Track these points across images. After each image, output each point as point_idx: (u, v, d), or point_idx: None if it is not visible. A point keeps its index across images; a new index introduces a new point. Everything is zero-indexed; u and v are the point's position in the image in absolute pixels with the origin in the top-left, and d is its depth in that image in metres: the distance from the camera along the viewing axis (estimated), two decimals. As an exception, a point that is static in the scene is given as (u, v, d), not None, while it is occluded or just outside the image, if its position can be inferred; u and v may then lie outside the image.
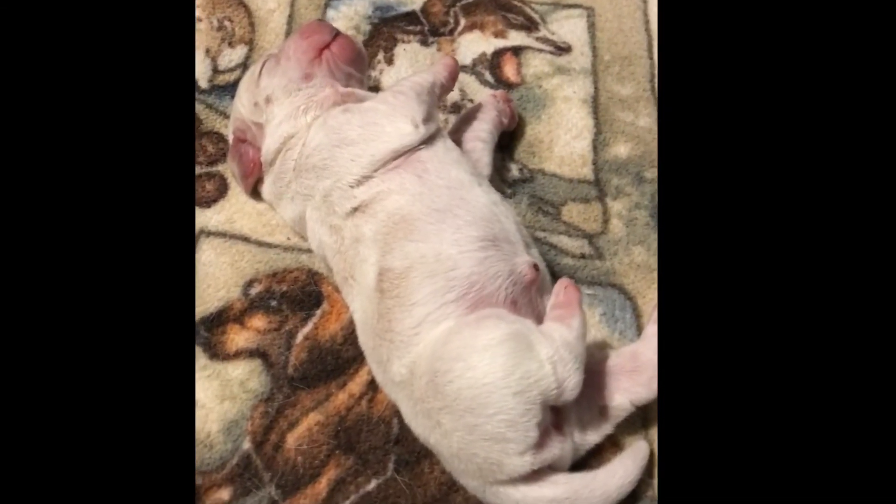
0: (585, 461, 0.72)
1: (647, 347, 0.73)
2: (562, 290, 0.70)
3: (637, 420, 0.74)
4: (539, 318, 0.72)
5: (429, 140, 0.77)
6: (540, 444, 0.64)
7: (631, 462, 0.69)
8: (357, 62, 0.86)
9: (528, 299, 0.71)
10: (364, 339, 0.74)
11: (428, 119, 0.78)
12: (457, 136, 0.88)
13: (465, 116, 0.91)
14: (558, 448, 0.65)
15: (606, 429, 0.72)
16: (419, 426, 0.68)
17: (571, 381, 0.64)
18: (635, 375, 0.71)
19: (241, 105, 0.86)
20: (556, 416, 0.67)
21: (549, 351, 0.64)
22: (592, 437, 0.71)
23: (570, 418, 0.68)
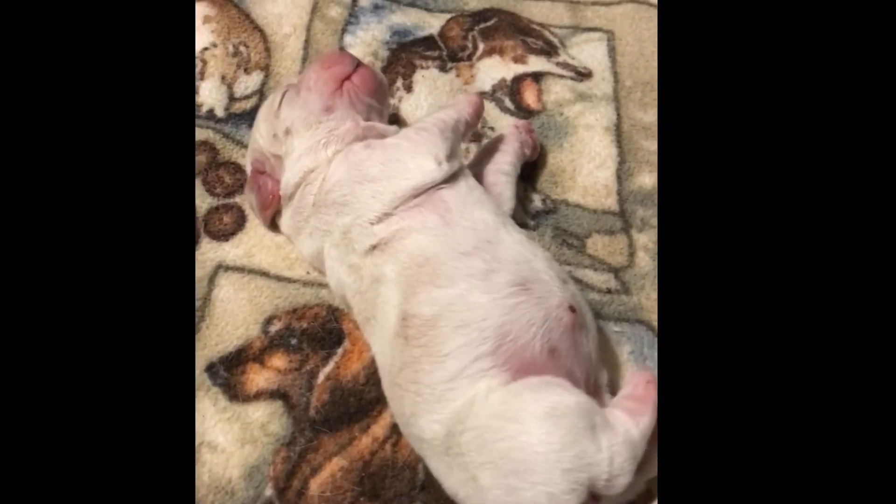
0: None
1: None
2: (643, 382, 0.68)
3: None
4: (585, 361, 0.70)
5: (451, 179, 0.75)
6: None
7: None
8: (379, 93, 0.84)
9: (570, 343, 0.68)
10: (385, 387, 0.72)
11: (451, 156, 0.76)
12: (479, 168, 0.87)
13: (487, 148, 0.89)
14: None
15: (640, 487, 0.69)
16: (451, 478, 0.66)
17: (622, 479, 0.62)
18: None
19: (260, 136, 0.84)
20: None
21: (611, 441, 0.62)
22: (626, 497, 0.68)
23: None
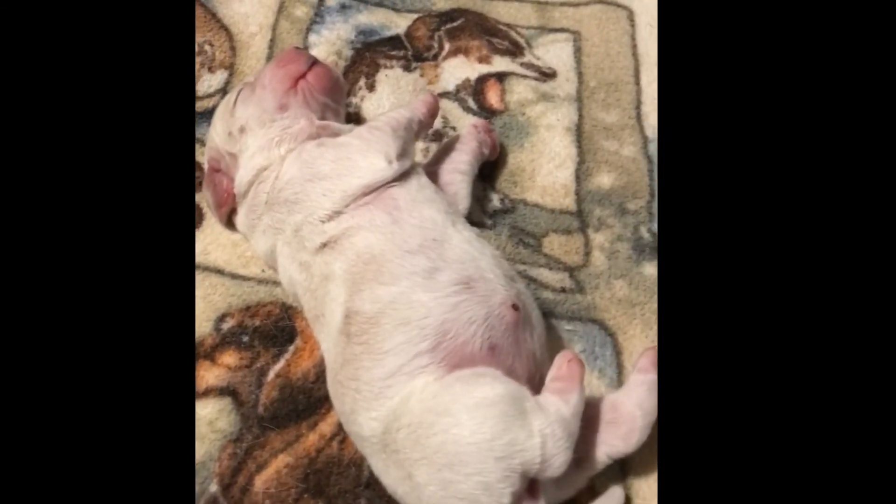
0: (560, 507, 0.70)
1: (628, 398, 0.70)
2: (564, 362, 0.68)
3: (614, 464, 0.72)
4: (529, 359, 0.70)
5: (402, 177, 0.75)
6: None
7: (603, 510, 0.67)
8: (334, 92, 0.84)
9: (511, 340, 0.69)
10: (329, 384, 0.72)
11: (402, 155, 0.76)
12: (436, 167, 0.87)
13: (445, 147, 0.90)
14: None
15: (581, 482, 0.70)
16: (388, 476, 0.66)
17: (558, 460, 0.62)
18: (614, 427, 0.69)
19: (216, 134, 0.84)
20: (531, 480, 0.64)
21: (542, 423, 0.62)
22: (567, 492, 0.69)
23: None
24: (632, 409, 0.70)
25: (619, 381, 0.80)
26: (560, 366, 0.68)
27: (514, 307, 0.70)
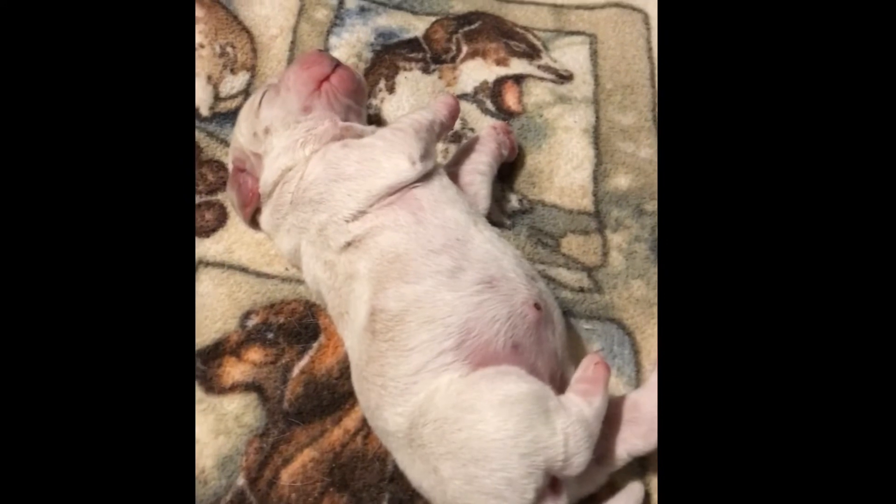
0: (580, 502, 0.71)
1: (648, 398, 0.72)
2: (591, 365, 0.69)
3: (634, 461, 0.73)
4: (551, 357, 0.71)
5: (425, 178, 0.77)
6: None
7: (623, 504, 0.68)
8: (357, 94, 0.86)
9: (534, 339, 0.70)
10: (354, 380, 0.74)
11: (425, 156, 0.78)
12: (455, 168, 0.88)
13: (465, 148, 0.91)
14: None
15: (601, 479, 0.71)
16: (413, 470, 0.68)
17: (579, 459, 0.63)
18: (634, 427, 0.71)
19: (241, 134, 0.86)
20: (553, 476, 0.66)
21: (565, 423, 0.63)
22: (588, 488, 0.70)
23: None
24: (652, 409, 0.71)
25: (637, 379, 0.81)
26: (586, 367, 0.69)
27: (537, 306, 0.71)
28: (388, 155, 0.77)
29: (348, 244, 0.75)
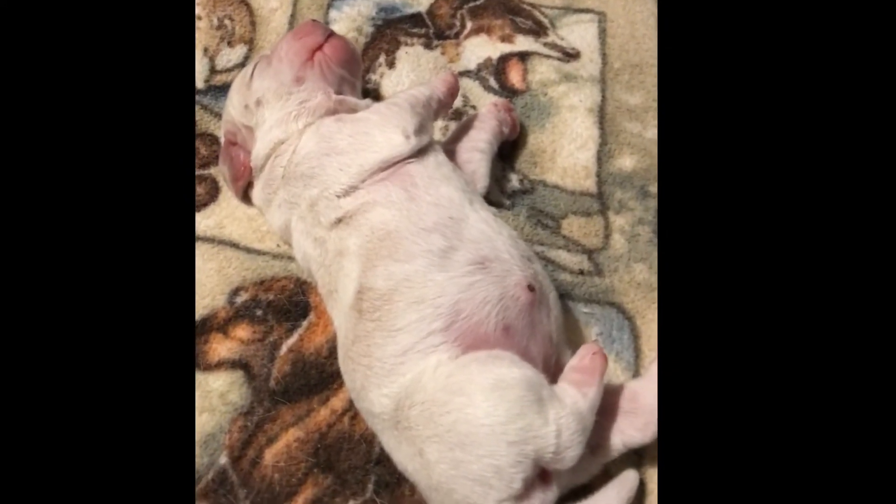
0: (572, 490, 0.68)
1: (647, 390, 0.69)
2: (588, 354, 0.67)
3: (630, 451, 0.71)
4: (544, 340, 0.69)
5: (420, 153, 0.74)
6: (521, 497, 0.61)
7: (615, 494, 0.66)
8: (350, 64, 0.83)
9: (526, 322, 0.68)
10: (340, 360, 0.71)
11: (420, 131, 0.75)
12: (454, 145, 0.86)
13: (464, 125, 0.88)
14: (539, 501, 0.62)
15: (595, 469, 0.69)
16: (399, 453, 0.66)
17: (571, 452, 0.61)
18: (632, 418, 0.68)
19: (232, 107, 0.84)
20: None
21: (558, 413, 0.61)
22: (581, 478, 0.68)
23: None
24: (651, 401, 0.68)
25: (636, 364, 0.78)
26: (583, 356, 0.67)
27: (530, 288, 0.68)
28: (382, 129, 0.75)
29: (339, 220, 0.72)
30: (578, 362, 0.66)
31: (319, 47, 0.81)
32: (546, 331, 0.69)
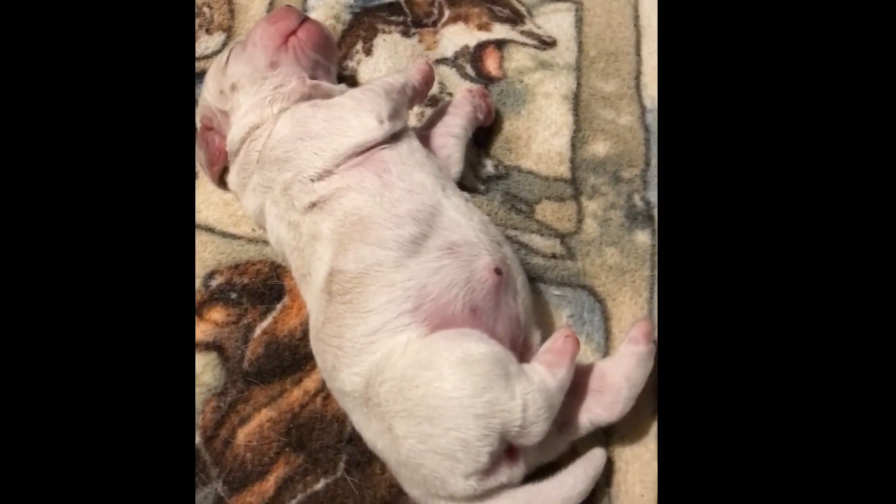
0: (539, 468, 0.69)
1: (616, 369, 0.70)
2: (561, 337, 0.68)
3: (598, 428, 0.72)
4: (512, 322, 0.70)
5: (393, 139, 0.75)
6: (488, 471, 0.62)
7: (582, 471, 0.67)
8: (325, 49, 0.84)
9: (492, 304, 0.69)
10: (311, 341, 0.72)
11: (394, 116, 0.76)
12: (429, 130, 0.86)
13: (439, 111, 0.89)
14: (506, 476, 0.63)
15: (563, 447, 0.70)
16: (369, 430, 0.66)
17: (537, 428, 0.62)
18: (599, 396, 0.69)
19: (208, 92, 0.84)
20: (510, 443, 0.64)
21: (525, 389, 0.62)
22: (548, 456, 0.69)
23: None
24: (619, 380, 0.69)
25: (605, 346, 0.79)
26: (556, 338, 0.68)
27: (497, 271, 0.69)
28: (357, 113, 0.75)
29: (313, 204, 0.73)
30: (551, 345, 0.67)
31: (293, 32, 0.81)
32: (513, 313, 0.70)
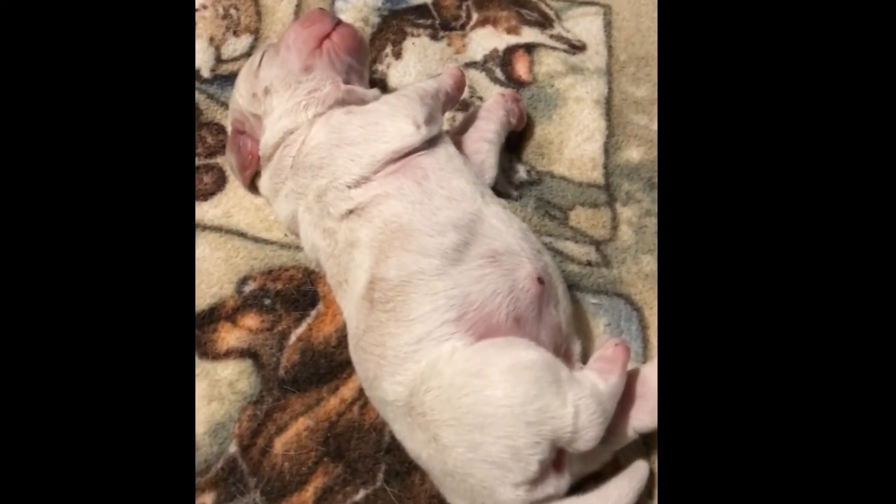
0: (583, 480, 0.69)
1: (656, 373, 0.69)
2: (611, 345, 0.68)
3: (639, 440, 0.71)
4: (554, 331, 0.69)
5: (430, 145, 0.74)
6: (536, 482, 0.61)
7: (627, 483, 0.66)
8: (358, 53, 0.83)
9: (535, 313, 0.68)
10: (351, 350, 0.71)
11: (430, 121, 0.75)
12: (462, 135, 0.85)
13: (472, 115, 0.88)
14: (553, 487, 0.62)
15: (606, 457, 0.69)
16: (412, 440, 0.66)
17: (589, 433, 0.61)
18: (641, 402, 0.68)
19: (240, 95, 0.83)
20: (557, 452, 0.63)
21: (577, 395, 0.61)
22: (592, 466, 0.68)
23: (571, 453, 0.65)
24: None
25: (644, 355, 0.78)
26: (606, 346, 0.68)
27: (539, 280, 0.69)
28: (393, 119, 0.75)
29: (350, 211, 0.72)
30: (602, 352, 0.67)
31: (327, 35, 0.80)
32: (555, 321, 0.69)
